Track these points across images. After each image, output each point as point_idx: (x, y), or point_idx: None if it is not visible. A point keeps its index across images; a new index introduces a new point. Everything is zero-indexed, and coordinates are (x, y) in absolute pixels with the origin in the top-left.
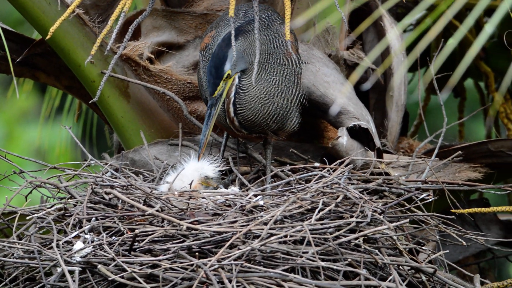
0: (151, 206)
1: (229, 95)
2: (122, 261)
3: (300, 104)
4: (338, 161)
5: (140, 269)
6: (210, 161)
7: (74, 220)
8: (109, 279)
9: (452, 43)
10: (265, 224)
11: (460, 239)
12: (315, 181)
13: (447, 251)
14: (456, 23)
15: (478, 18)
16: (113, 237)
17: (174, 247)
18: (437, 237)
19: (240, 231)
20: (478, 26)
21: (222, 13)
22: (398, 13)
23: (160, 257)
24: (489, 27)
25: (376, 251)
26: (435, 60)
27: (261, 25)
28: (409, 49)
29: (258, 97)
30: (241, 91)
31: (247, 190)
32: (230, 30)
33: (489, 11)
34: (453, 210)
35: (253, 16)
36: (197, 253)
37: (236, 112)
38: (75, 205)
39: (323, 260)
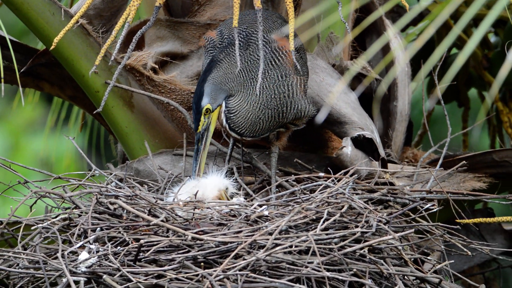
0: (156, 216)
1: (221, 123)
2: (128, 271)
3: (304, 87)
4: (342, 171)
5: (146, 279)
6: (227, 177)
7: (79, 230)
8: None
9: (441, 52)
10: (270, 234)
11: (465, 249)
12: (319, 191)
13: (452, 261)
14: (462, 35)
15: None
16: (118, 247)
17: (179, 257)
18: (442, 247)
19: (245, 241)
20: (482, 38)
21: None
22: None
23: (165, 267)
24: (477, 36)
25: (381, 261)
26: (438, 70)
27: (242, 41)
28: (413, 58)
29: (251, 112)
30: (232, 115)
31: (252, 200)
32: (209, 63)
33: (497, 22)
34: (458, 220)
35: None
36: (202, 263)
37: (235, 131)
38: (80, 215)
39: (328, 270)
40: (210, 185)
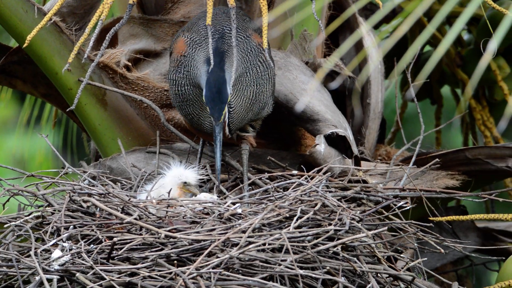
0: (129, 214)
1: (225, 117)
2: (101, 269)
3: (274, 89)
4: (316, 169)
5: (119, 277)
6: (189, 167)
7: (52, 228)
8: (88, 287)
9: (414, 49)
10: (244, 232)
11: (438, 247)
12: (293, 189)
13: (425, 258)
14: (435, 32)
15: (451, 24)
16: (91, 245)
17: (153, 255)
18: (415, 244)
19: (219, 239)
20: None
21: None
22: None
23: (139, 265)
24: (451, 34)
25: (355, 259)
26: (411, 67)
27: (238, 37)
28: (386, 56)
29: (243, 107)
30: (231, 109)
31: (225, 198)
32: (215, 53)
33: (470, 20)
34: (431, 218)
35: (223, 25)
36: (175, 261)
37: (229, 127)
38: (53, 213)
39: (301, 268)
40: (169, 182)
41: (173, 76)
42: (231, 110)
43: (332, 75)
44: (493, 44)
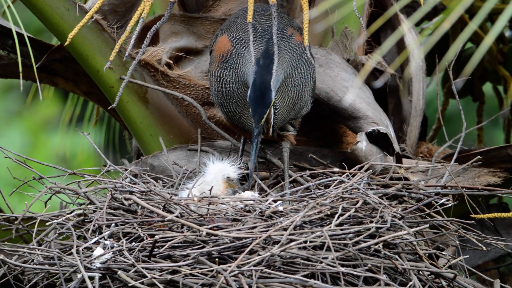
0: (171, 212)
1: (269, 119)
2: (142, 267)
3: (314, 88)
4: (357, 166)
5: (160, 275)
6: (231, 163)
7: (93, 226)
8: (129, 285)
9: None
10: (285, 229)
11: (480, 244)
12: (334, 186)
13: (467, 256)
14: (479, 31)
15: (492, 21)
16: (133, 243)
17: (194, 253)
18: (457, 242)
19: (260, 237)
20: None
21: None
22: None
23: (180, 263)
24: (493, 31)
25: (396, 256)
26: (452, 64)
27: (281, 39)
28: (428, 54)
29: (287, 107)
30: (276, 110)
31: (266, 196)
32: (263, 55)
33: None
34: (472, 215)
35: (268, 24)
36: (217, 259)
37: (273, 127)
38: (94, 211)
39: (343, 265)
40: (211, 179)
41: (218, 73)
42: (276, 111)
43: (373, 72)
44: None
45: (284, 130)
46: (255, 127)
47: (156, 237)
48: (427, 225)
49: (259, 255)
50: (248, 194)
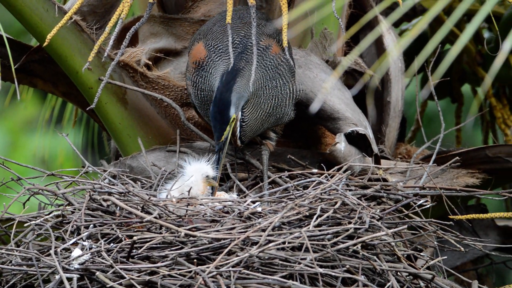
0: (149, 213)
1: (235, 132)
2: (120, 268)
3: (295, 97)
4: (336, 167)
5: (138, 276)
6: (208, 161)
7: (72, 227)
8: (107, 286)
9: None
10: (263, 230)
11: (458, 245)
12: (313, 187)
13: (445, 257)
14: (456, 30)
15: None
16: (111, 244)
17: (172, 254)
18: (435, 243)
19: (238, 238)
20: (476, 33)
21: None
22: (396, 19)
23: (158, 264)
24: (470, 30)
25: (374, 257)
26: (432, 66)
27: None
28: (406, 54)
29: (258, 120)
30: (244, 123)
31: (245, 197)
32: (228, 70)
33: (490, 18)
34: (451, 216)
35: (243, 34)
36: (195, 260)
37: (241, 139)
38: (73, 212)
39: (321, 266)
40: (191, 181)
41: (194, 78)
42: (244, 124)
43: (353, 73)
44: (508, 44)
45: (265, 137)
46: (216, 144)
47: (135, 238)
48: (406, 226)
49: (237, 256)
50: (225, 195)
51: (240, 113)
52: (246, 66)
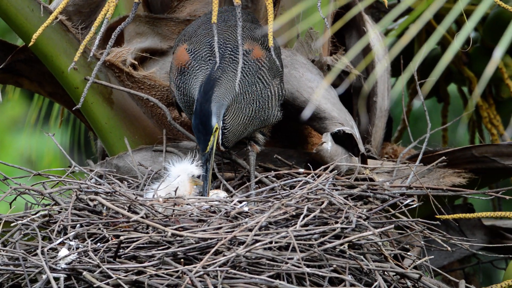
0: (136, 213)
1: (218, 140)
2: (107, 268)
3: (280, 98)
4: (322, 167)
5: (125, 276)
6: (192, 161)
7: (58, 226)
8: (95, 286)
9: (426, 47)
10: (250, 230)
11: (445, 245)
12: (299, 187)
13: (432, 256)
14: (445, 33)
15: (457, 22)
16: (98, 244)
17: (159, 253)
18: (422, 242)
19: (225, 238)
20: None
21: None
22: (380, 18)
23: (145, 264)
24: (462, 32)
25: (361, 257)
26: (418, 65)
27: (232, 60)
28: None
29: (241, 125)
30: (226, 130)
31: (231, 197)
32: (204, 81)
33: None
34: (437, 216)
35: (226, 37)
36: (182, 260)
37: (224, 145)
38: (59, 212)
39: (308, 266)
40: (177, 182)
41: (177, 81)
42: (225, 131)
43: (339, 73)
44: (500, 51)
45: (252, 138)
46: (201, 155)
47: (121, 237)
48: (392, 225)
49: (224, 255)
50: (213, 193)
51: (221, 122)
52: (222, 75)
